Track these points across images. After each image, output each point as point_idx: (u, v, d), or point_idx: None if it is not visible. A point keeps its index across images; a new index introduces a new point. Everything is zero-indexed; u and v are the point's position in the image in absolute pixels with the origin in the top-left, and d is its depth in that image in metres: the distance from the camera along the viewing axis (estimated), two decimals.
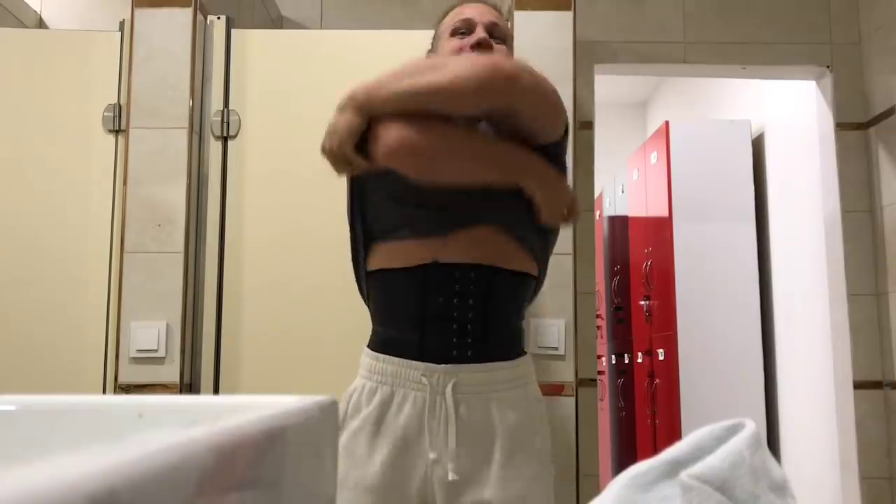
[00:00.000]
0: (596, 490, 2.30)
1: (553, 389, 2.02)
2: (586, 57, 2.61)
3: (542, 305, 2.04)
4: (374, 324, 1.41)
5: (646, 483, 0.46)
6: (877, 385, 2.60)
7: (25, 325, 2.02)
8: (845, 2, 2.75)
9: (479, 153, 1.32)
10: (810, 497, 3.00)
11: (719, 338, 3.58)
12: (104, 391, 2.00)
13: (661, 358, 3.79)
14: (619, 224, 4.60)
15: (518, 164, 1.33)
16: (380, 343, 1.37)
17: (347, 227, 1.44)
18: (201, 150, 2.11)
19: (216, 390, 2.01)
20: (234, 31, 2.16)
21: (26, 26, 2.45)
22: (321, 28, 2.70)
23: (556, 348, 2.03)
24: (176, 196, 2.03)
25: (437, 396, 1.30)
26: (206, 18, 2.15)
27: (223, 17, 2.16)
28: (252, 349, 2.02)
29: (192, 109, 2.07)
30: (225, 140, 2.11)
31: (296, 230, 2.07)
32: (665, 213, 3.76)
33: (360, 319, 1.44)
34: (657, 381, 3.84)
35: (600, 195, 4.90)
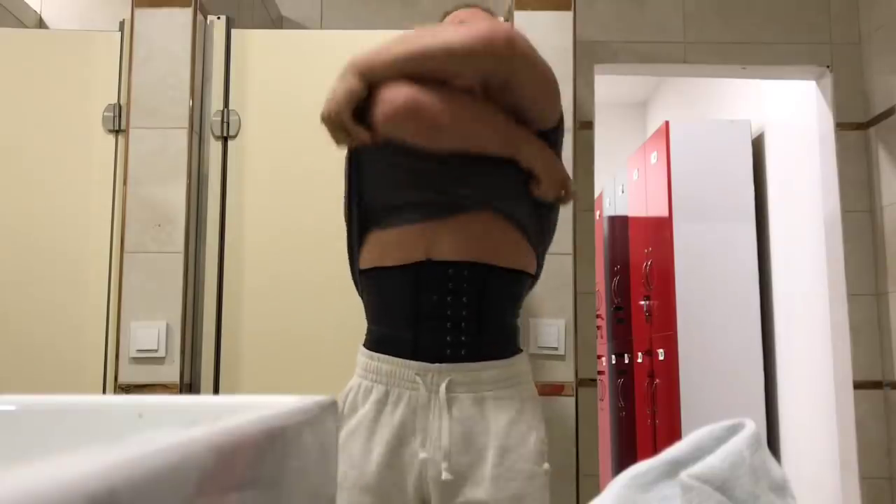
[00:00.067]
0: (596, 490, 2.30)
1: (553, 389, 2.02)
2: (586, 57, 2.61)
3: (542, 305, 2.04)
4: (368, 322, 1.41)
5: (646, 483, 0.46)
6: (877, 385, 2.60)
7: (25, 325, 2.02)
8: (845, 2, 2.75)
9: (478, 119, 1.32)
10: (810, 497, 3.00)
11: (719, 338, 3.58)
12: (104, 391, 2.00)
13: (661, 358, 3.79)
14: (619, 224, 4.60)
15: (516, 135, 1.34)
16: (374, 341, 1.37)
17: (346, 224, 1.44)
18: (201, 150, 2.11)
19: (216, 390, 2.01)
20: (234, 31, 2.16)
21: (26, 26, 2.45)
22: (321, 28, 2.70)
23: (555, 348, 2.03)
24: (176, 196, 2.03)
25: (431, 395, 1.30)
26: (206, 18, 2.15)
27: (223, 17, 2.16)
28: (252, 349, 2.02)
29: (192, 109, 2.07)
30: (225, 140, 2.11)
31: (296, 230, 2.07)
32: (665, 213, 3.76)
33: (359, 319, 1.43)
34: (657, 381, 3.84)
35: (600, 195, 4.90)
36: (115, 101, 2.11)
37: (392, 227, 1.36)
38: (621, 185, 4.61)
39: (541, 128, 1.37)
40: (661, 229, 3.82)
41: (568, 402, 2.04)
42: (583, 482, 2.14)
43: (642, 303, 4.04)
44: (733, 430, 0.47)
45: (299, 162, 2.08)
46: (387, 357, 1.33)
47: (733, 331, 3.58)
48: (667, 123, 3.82)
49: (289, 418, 0.47)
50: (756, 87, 3.77)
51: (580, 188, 2.38)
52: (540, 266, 1.45)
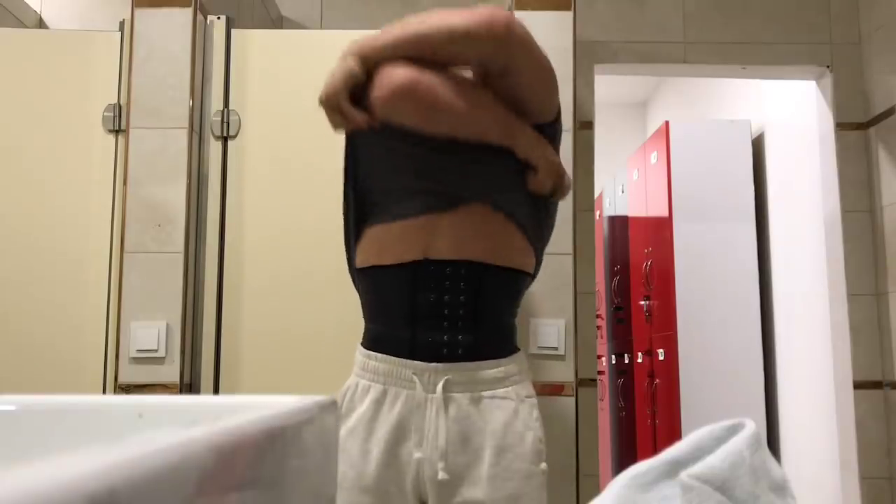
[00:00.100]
0: (596, 490, 2.30)
1: (553, 389, 2.02)
2: (586, 57, 2.61)
3: (542, 305, 2.04)
4: (365, 320, 1.41)
5: (646, 483, 0.46)
6: (877, 385, 2.60)
7: (25, 325, 2.02)
8: (845, 2, 2.75)
9: (478, 106, 1.31)
10: (810, 497, 3.00)
11: (719, 338, 3.58)
12: (104, 391, 2.00)
13: (661, 358, 3.79)
14: (619, 224, 4.60)
15: (514, 125, 1.34)
16: (371, 340, 1.37)
17: (343, 214, 1.43)
18: (201, 150, 2.11)
19: (216, 390, 2.01)
20: (234, 31, 2.16)
21: (26, 26, 2.45)
22: (321, 28, 2.70)
23: (555, 348, 2.03)
24: (176, 196, 2.03)
25: (428, 395, 1.29)
26: (206, 18, 2.15)
27: (223, 17, 2.16)
28: (252, 349, 2.02)
29: (192, 109, 2.07)
30: (225, 140, 2.11)
31: (296, 230, 2.07)
32: (665, 213, 3.76)
33: (359, 319, 1.43)
34: (657, 381, 3.84)
35: (600, 195, 4.90)
36: (115, 101, 2.11)
37: (390, 222, 1.35)
38: (621, 185, 4.61)
39: (539, 121, 1.37)
40: (661, 229, 3.82)
41: (568, 402, 2.04)
42: (583, 482, 2.14)
43: (642, 303, 4.04)
44: (733, 430, 0.47)
45: (299, 162, 2.08)
46: (384, 356, 1.32)
47: (733, 331, 3.58)
48: (667, 123, 3.82)
49: (289, 418, 0.47)
50: (756, 87, 3.77)
51: (580, 188, 2.37)
52: (538, 264, 1.45)
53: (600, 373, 4.20)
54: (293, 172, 2.09)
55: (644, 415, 4.01)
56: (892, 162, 2.59)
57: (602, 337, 4.75)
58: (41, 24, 2.51)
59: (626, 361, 4.37)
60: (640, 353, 4.11)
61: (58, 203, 2.07)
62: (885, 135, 2.62)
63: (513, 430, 1.30)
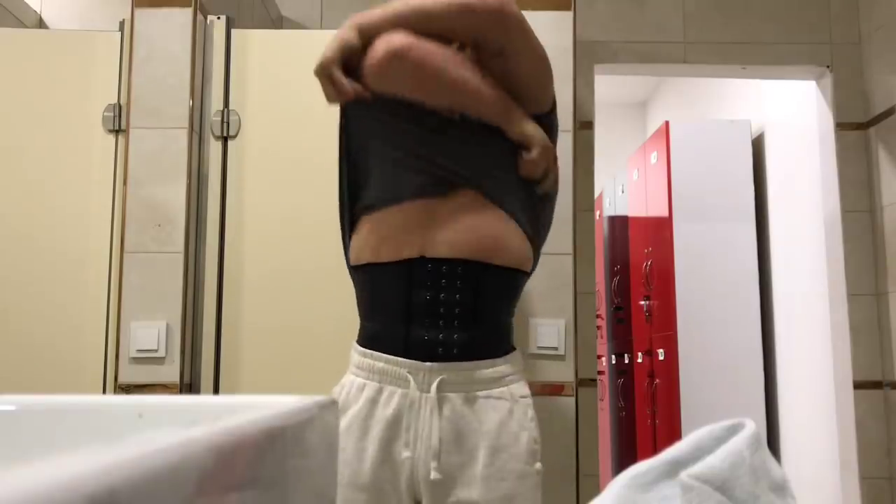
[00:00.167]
0: (596, 490, 2.30)
1: (553, 389, 2.02)
2: (586, 57, 2.61)
3: (542, 305, 2.04)
4: (361, 318, 1.40)
5: (646, 483, 0.46)
6: (877, 385, 2.60)
7: (25, 325, 2.02)
8: (845, 2, 2.75)
9: (470, 78, 1.31)
10: (810, 497, 3.00)
11: (719, 338, 3.58)
12: (104, 391, 2.00)
13: (661, 358, 3.79)
14: (619, 224, 4.60)
15: (508, 102, 1.34)
16: (367, 338, 1.36)
17: (338, 196, 1.43)
18: (201, 150, 2.11)
19: (216, 390, 2.01)
20: (234, 31, 2.16)
21: (26, 26, 2.45)
22: (321, 28, 2.70)
23: (555, 348, 2.03)
24: (176, 196, 2.03)
25: (422, 394, 1.29)
26: (206, 18, 2.15)
27: (223, 17, 2.16)
28: (252, 349, 2.02)
29: (192, 109, 2.07)
30: (225, 140, 2.11)
31: (296, 230, 2.07)
32: (665, 213, 3.76)
33: (359, 320, 1.43)
34: (657, 381, 3.84)
35: (600, 195, 4.90)
36: (115, 101, 2.11)
37: (383, 207, 1.35)
38: (621, 185, 4.61)
39: (535, 111, 1.37)
40: (661, 229, 3.82)
41: (568, 402, 2.03)
42: (583, 482, 2.14)
43: (642, 303, 4.04)
44: (733, 430, 0.47)
45: (299, 162, 2.08)
46: (379, 354, 1.32)
47: (733, 331, 3.58)
48: (667, 123, 3.82)
49: (289, 418, 0.47)
50: (756, 87, 3.77)
51: (580, 188, 2.37)
52: (535, 260, 1.44)
53: (600, 373, 4.20)
54: (293, 172, 2.09)
55: (644, 415, 4.01)
56: (892, 162, 2.59)
57: (602, 337, 4.75)
58: (41, 24, 2.51)
59: (626, 361, 4.37)
60: (640, 353, 4.11)
61: (58, 203, 2.07)
62: (885, 135, 2.62)
63: (507, 431, 1.30)
